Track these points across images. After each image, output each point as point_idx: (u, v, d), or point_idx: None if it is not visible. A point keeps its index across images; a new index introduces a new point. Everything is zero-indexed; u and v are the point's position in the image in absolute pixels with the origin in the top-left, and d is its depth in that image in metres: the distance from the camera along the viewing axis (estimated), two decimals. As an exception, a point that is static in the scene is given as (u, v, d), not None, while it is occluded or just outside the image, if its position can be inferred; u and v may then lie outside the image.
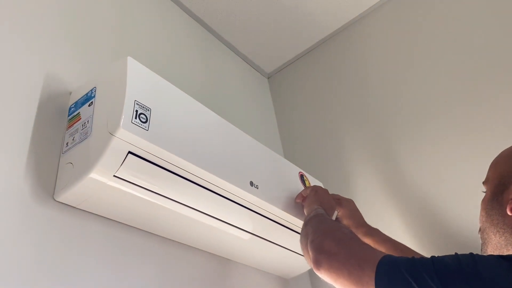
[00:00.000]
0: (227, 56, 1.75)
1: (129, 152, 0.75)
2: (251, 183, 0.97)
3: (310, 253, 0.73)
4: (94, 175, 0.74)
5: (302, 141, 1.66)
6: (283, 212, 1.03)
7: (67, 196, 0.77)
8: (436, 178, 1.20)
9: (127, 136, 0.73)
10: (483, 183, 0.75)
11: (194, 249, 1.01)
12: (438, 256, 0.59)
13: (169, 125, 0.82)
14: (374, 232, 1.01)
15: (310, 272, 1.33)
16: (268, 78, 1.96)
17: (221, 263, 1.07)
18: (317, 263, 0.69)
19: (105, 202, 0.81)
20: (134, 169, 0.77)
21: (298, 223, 1.08)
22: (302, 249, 0.83)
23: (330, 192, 1.06)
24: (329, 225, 0.79)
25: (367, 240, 0.98)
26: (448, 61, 1.33)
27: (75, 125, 0.83)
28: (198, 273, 0.99)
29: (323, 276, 0.69)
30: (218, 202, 0.91)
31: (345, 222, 1.04)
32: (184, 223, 0.92)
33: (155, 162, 0.79)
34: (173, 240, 0.97)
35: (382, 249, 0.95)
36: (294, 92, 1.83)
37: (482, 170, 0.77)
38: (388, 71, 1.49)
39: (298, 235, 1.09)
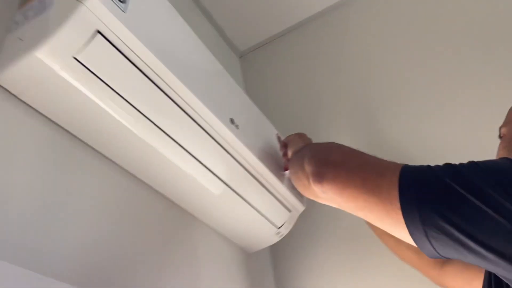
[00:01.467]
0: (201, 24, 1.62)
1: (98, 32, 0.59)
2: (232, 121, 0.84)
3: (310, 168, 0.62)
4: (47, 50, 0.57)
5: (273, 122, 1.56)
6: (260, 163, 0.90)
7: (9, 77, 0.59)
8: (417, 150, 1.14)
9: (99, 9, 0.58)
10: (501, 127, 0.70)
11: (152, 190, 0.84)
12: (471, 162, 0.50)
13: (151, 20, 0.69)
14: None
15: (272, 248, 1.21)
16: (240, 57, 1.85)
17: (183, 216, 0.91)
18: (319, 175, 0.58)
19: (52, 98, 0.63)
20: (99, 56, 0.61)
21: (272, 182, 0.96)
22: (294, 173, 0.72)
23: None
24: (332, 143, 0.68)
25: None
26: (428, 42, 1.30)
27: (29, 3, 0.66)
28: (150, 216, 0.82)
29: (325, 190, 0.57)
30: (192, 130, 0.77)
31: None
32: (146, 150, 0.75)
33: (126, 55, 0.63)
34: (128, 171, 0.79)
35: None
36: (267, 75, 1.73)
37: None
38: (366, 59, 1.45)
39: (271, 196, 0.98)
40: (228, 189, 0.88)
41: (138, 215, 0.78)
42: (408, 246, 0.91)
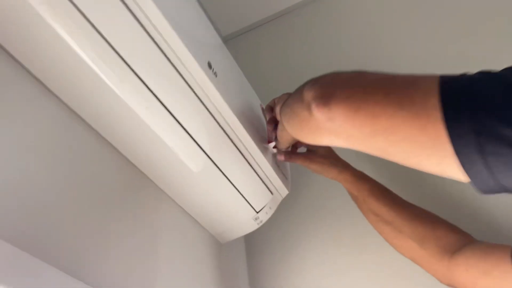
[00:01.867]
0: None
1: None
2: (209, 65, 0.69)
3: (312, 93, 0.48)
4: None
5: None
6: (239, 122, 0.75)
7: None
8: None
9: None
10: None
11: (105, 141, 0.68)
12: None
13: None
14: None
15: (247, 240, 1.04)
16: (223, 43, 1.72)
17: (149, 189, 0.74)
18: (326, 96, 0.45)
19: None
20: None
21: (253, 152, 0.81)
22: (288, 111, 0.60)
23: None
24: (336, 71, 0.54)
25: (360, 182, 0.81)
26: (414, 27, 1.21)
27: None
28: (102, 173, 0.65)
29: (333, 114, 0.44)
30: (163, 68, 0.61)
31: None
32: (99, 86, 0.57)
33: None
34: (76, 113, 0.63)
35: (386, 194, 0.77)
36: (250, 61, 1.60)
37: None
38: (353, 48, 1.34)
39: (250, 169, 0.83)
40: (200, 150, 0.72)
41: (84, 166, 0.61)
42: (410, 234, 0.76)
